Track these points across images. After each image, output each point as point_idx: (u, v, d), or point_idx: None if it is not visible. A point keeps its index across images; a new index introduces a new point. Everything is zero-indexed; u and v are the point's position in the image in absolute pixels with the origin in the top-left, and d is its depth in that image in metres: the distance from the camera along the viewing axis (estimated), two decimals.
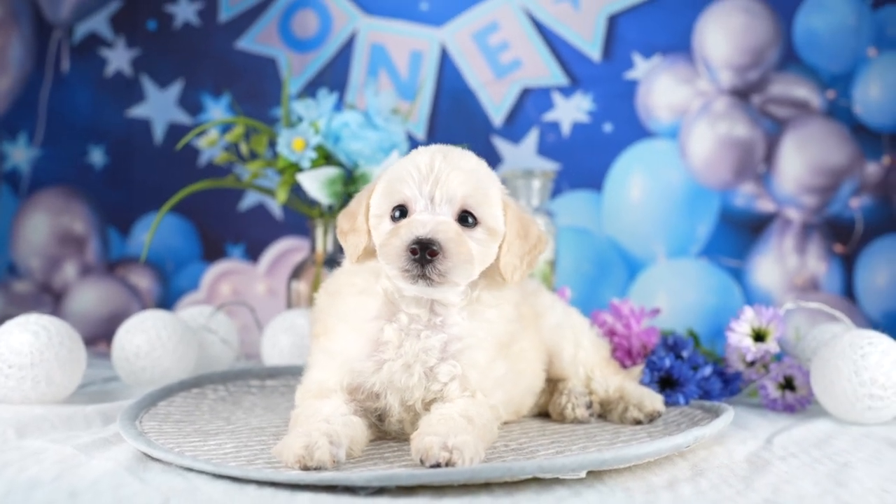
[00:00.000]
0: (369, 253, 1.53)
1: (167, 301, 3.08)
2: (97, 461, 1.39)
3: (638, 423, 1.75)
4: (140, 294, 3.07)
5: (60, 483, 1.26)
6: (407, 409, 1.51)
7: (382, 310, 1.52)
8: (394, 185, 1.47)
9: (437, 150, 1.50)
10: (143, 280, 3.08)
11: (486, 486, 1.29)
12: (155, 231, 2.31)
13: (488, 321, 1.53)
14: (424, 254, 1.39)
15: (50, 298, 3.06)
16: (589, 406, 1.77)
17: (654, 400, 1.78)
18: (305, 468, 1.29)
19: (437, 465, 1.28)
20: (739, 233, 2.93)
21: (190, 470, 1.34)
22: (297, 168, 2.35)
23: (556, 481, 1.31)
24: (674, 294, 2.91)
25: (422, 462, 1.30)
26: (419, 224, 1.42)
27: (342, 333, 1.53)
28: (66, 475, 1.31)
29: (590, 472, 1.34)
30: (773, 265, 2.91)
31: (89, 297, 3.05)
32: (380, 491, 1.25)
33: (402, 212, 1.47)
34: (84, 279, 3.07)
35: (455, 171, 1.45)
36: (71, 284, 3.06)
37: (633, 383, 1.85)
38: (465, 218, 1.46)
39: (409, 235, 1.41)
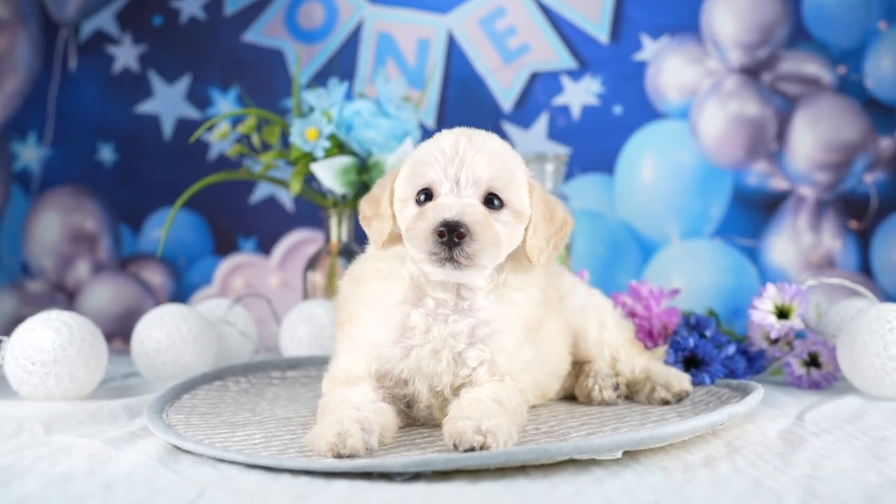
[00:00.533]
0: (394, 238, 1.52)
1: (180, 296, 3.07)
2: (127, 454, 1.39)
3: (665, 403, 1.74)
4: (153, 290, 3.06)
5: (94, 476, 1.25)
6: (435, 394, 1.50)
7: (409, 294, 1.50)
8: (418, 168, 1.46)
9: (461, 132, 1.48)
10: (155, 276, 3.08)
11: (522, 469, 1.28)
12: (169, 226, 2.30)
13: (515, 305, 1.52)
14: (452, 236, 1.38)
15: (63, 297, 3.05)
16: (616, 388, 1.76)
17: (681, 379, 1.77)
18: (338, 456, 1.28)
19: (472, 449, 1.27)
20: (753, 212, 2.92)
21: (222, 461, 1.33)
22: (310, 158, 2.34)
23: (592, 462, 1.30)
24: (688, 275, 2.90)
25: (455, 447, 1.29)
26: (446, 207, 1.40)
27: (368, 320, 1.52)
28: (98, 468, 1.30)
29: (626, 453, 1.32)
30: (787, 243, 2.90)
31: (103, 294, 3.05)
32: (416, 476, 1.24)
33: (427, 195, 1.45)
34: (97, 277, 3.06)
35: (480, 154, 1.44)
36: (84, 282, 3.05)
37: (659, 363, 1.84)
38: (491, 200, 1.44)
39: (437, 218, 1.39)
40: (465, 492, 1.18)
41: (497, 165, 1.45)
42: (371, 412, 1.39)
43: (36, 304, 2.99)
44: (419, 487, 1.20)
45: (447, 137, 1.47)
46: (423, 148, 1.48)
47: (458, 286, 1.49)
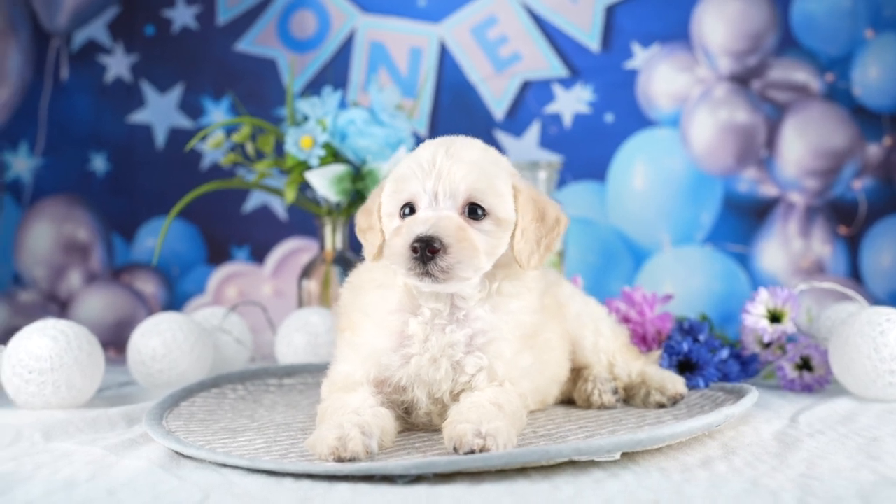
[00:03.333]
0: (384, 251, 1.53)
1: (174, 306, 3.07)
2: (129, 461, 1.39)
3: (661, 406, 1.76)
4: (146, 300, 3.06)
5: (97, 482, 1.26)
6: (435, 401, 1.51)
7: (404, 302, 1.52)
8: (399, 183, 1.47)
9: (439, 143, 1.48)
10: (148, 286, 3.07)
11: (522, 471, 1.29)
12: (164, 235, 2.31)
13: (512, 313, 1.52)
14: (425, 252, 1.39)
15: (56, 307, 3.04)
16: (615, 392, 1.78)
17: (675, 383, 1.78)
18: (340, 460, 1.29)
19: (472, 452, 1.28)
20: (743, 218, 2.94)
21: (224, 466, 1.34)
22: (305, 166, 2.35)
23: (591, 464, 1.32)
24: (680, 281, 2.92)
25: (455, 450, 1.30)
26: (420, 222, 1.41)
27: (367, 327, 1.53)
28: (100, 475, 1.31)
29: (624, 454, 1.34)
30: (778, 249, 2.92)
31: (95, 304, 3.04)
32: (418, 479, 1.25)
33: (409, 209, 1.47)
34: (89, 287, 3.05)
35: (458, 164, 1.44)
36: (76, 292, 3.05)
37: (655, 367, 1.86)
38: (475, 210, 1.45)
39: (410, 234, 1.40)
40: (467, 493, 1.20)
41: (475, 175, 1.45)
42: (371, 416, 1.40)
43: (28, 315, 2.98)
44: (421, 490, 1.22)
45: (426, 150, 1.48)
46: (405, 162, 1.49)
47: (452, 296, 1.50)
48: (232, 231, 3.07)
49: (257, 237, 3.06)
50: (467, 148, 1.48)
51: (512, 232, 1.50)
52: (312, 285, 2.51)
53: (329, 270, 2.49)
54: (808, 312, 2.41)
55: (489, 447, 1.29)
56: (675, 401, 1.77)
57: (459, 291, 1.49)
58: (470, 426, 1.32)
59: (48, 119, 3.05)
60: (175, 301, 3.08)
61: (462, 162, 1.45)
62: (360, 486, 1.23)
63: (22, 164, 3.05)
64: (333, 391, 1.53)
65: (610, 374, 1.82)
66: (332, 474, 1.26)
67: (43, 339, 1.83)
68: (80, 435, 1.60)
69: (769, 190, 2.93)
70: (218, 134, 2.49)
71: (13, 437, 1.55)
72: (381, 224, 1.52)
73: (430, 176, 1.44)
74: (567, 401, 1.84)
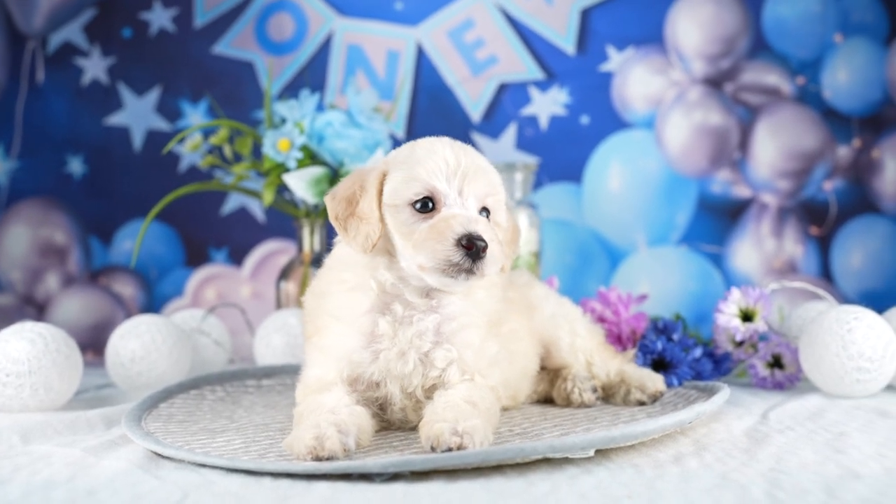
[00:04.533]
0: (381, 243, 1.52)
1: (152, 308, 3.07)
2: (108, 462, 1.40)
3: (641, 403, 1.79)
4: (124, 302, 3.06)
5: (76, 483, 1.27)
6: (408, 395, 1.53)
7: (376, 303, 1.52)
8: (419, 175, 1.46)
9: (454, 144, 1.51)
10: (126, 288, 3.07)
11: (498, 468, 1.31)
12: (143, 237, 2.31)
13: (479, 300, 1.56)
14: (479, 249, 1.41)
15: (33, 310, 3.04)
16: (594, 390, 1.80)
17: (655, 381, 1.81)
18: (318, 459, 1.31)
19: (449, 450, 1.30)
20: (717, 219, 2.98)
21: (203, 465, 1.35)
22: (283, 169, 2.36)
23: (565, 461, 1.34)
24: (655, 281, 2.96)
25: (433, 449, 1.32)
26: (469, 220, 1.43)
27: (336, 330, 1.54)
28: (79, 476, 1.31)
29: (598, 451, 1.37)
30: (751, 249, 2.97)
31: (73, 307, 3.04)
32: (395, 477, 1.27)
33: (424, 203, 1.47)
34: (67, 289, 3.05)
35: (479, 168, 1.49)
36: (54, 295, 3.04)
37: (633, 366, 1.89)
38: (482, 213, 1.50)
39: (461, 230, 1.42)
40: (444, 491, 1.22)
41: (490, 181, 1.50)
42: (347, 415, 1.41)
43: (5, 318, 2.97)
44: (399, 487, 1.23)
45: (445, 148, 1.49)
46: (421, 155, 1.48)
47: (430, 290, 1.52)
48: (210, 233, 3.07)
49: (235, 239, 3.07)
50: (479, 154, 1.53)
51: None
52: (290, 287, 2.52)
53: (307, 272, 2.50)
54: (779, 311, 2.44)
55: (466, 445, 1.31)
56: (655, 398, 1.80)
57: (454, 290, 1.50)
58: (447, 425, 1.33)
59: (24, 121, 3.04)
60: (153, 303, 3.08)
61: (480, 167, 1.49)
62: (338, 485, 1.25)
63: None
64: (308, 394, 1.53)
65: (589, 373, 1.85)
66: (311, 473, 1.28)
67: (20, 342, 1.83)
68: (59, 437, 1.61)
69: (742, 191, 2.97)
70: (196, 136, 2.50)
71: None
72: (379, 213, 1.49)
73: (457, 174, 1.46)
74: (544, 400, 1.86)
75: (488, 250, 1.42)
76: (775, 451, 1.41)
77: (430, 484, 1.25)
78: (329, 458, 1.31)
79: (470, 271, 1.42)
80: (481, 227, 1.43)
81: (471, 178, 1.47)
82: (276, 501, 1.18)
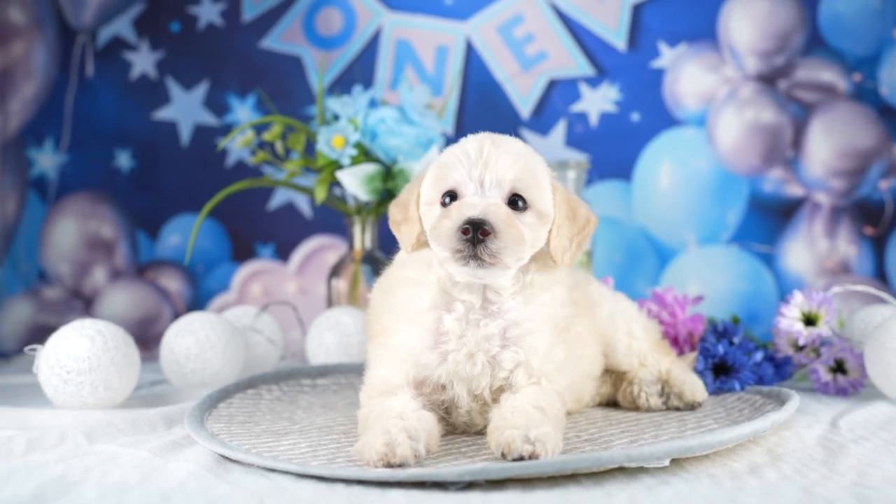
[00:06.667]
0: (422, 242, 1.54)
1: (198, 303, 3.07)
2: (176, 464, 1.39)
3: (677, 409, 1.77)
4: (171, 297, 3.07)
5: (148, 486, 1.26)
6: (475, 398, 1.51)
7: (437, 299, 1.51)
8: (443, 171, 1.48)
9: (485, 136, 1.50)
10: (173, 283, 3.08)
11: (572, 477, 1.29)
12: (196, 233, 2.31)
13: (544, 305, 1.53)
14: (476, 234, 1.39)
15: (80, 304, 3.05)
16: (661, 394, 1.78)
17: (695, 391, 1.78)
18: (389, 465, 1.29)
19: (521, 458, 1.28)
20: (769, 218, 2.93)
21: (273, 470, 1.34)
22: (336, 165, 2.35)
23: (640, 470, 1.32)
24: (705, 281, 2.91)
25: (503, 455, 1.30)
26: (470, 206, 1.42)
27: (401, 328, 1.53)
28: (150, 478, 1.31)
29: (672, 460, 1.34)
30: (803, 250, 2.91)
31: (120, 301, 3.05)
32: (469, 485, 1.26)
33: (451, 197, 1.47)
34: (114, 283, 3.06)
35: (504, 155, 1.45)
36: (101, 289, 3.05)
37: (680, 368, 1.84)
38: (515, 202, 1.46)
39: (461, 216, 1.41)
40: (521, 500, 1.20)
41: (520, 167, 1.46)
42: (415, 420, 1.40)
43: (53, 312, 3.00)
44: (474, 496, 1.22)
45: (471, 141, 1.49)
46: (448, 151, 1.50)
47: (485, 288, 1.50)
48: (257, 228, 3.07)
49: (282, 235, 3.06)
50: (512, 141, 1.50)
51: (549, 227, 1.51)
52: (342, 284, 2.51)
53: (358, 269, 2.48)
54: (838, 314, 2.40)
55: (538, 453, 1.29)
56: (692, 407, 1.77)
57: (493, 283, 1.49)
58: (518, 432, 1.31)
59: (73, 115, 3.05)
60: (199, 298, 3.08)
61: (508, 153, 1.46)
62: (412, 493, 1.23)
63: (47, 161, 3.05)
64: (373, 397, 1.52)
65: (654, 377, 1.82)
66: (384, 480, 1.26)
67: (81, 339, 1.83)
68: (122, 437, 1.61)
69: (795, 190, 2.92)
70: (248, 132, 2.49)
71: (58, 439, 1.55)
72: (418, 214, 1.52)
73: (477, 164, 1.44)
74: (607, 403, 1.84)
75: (499, 235, 1.40)
76: (855, 463, 1.38)
77: (506, 493, 1.23)
78: (400, 465, 1.30)
79: (475, 257, 1.40)
80: (492, 213, 1.40)
81: (493, 166, 1.44)
82: None
